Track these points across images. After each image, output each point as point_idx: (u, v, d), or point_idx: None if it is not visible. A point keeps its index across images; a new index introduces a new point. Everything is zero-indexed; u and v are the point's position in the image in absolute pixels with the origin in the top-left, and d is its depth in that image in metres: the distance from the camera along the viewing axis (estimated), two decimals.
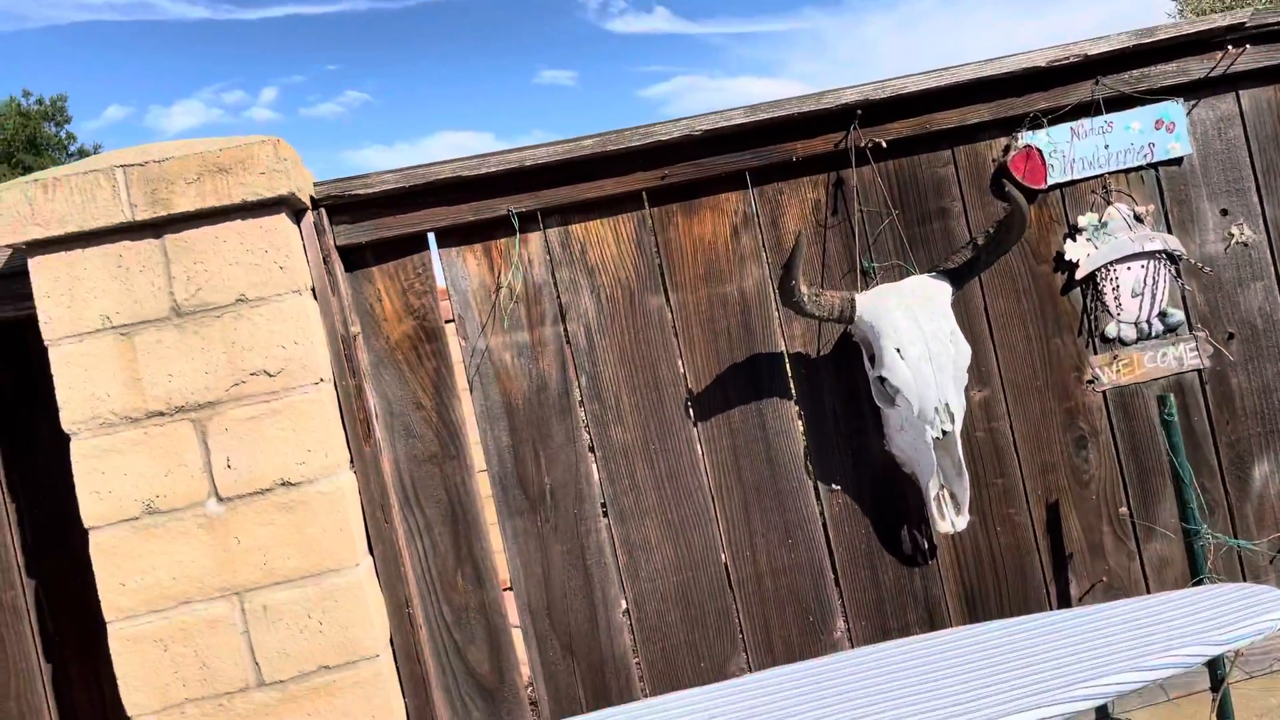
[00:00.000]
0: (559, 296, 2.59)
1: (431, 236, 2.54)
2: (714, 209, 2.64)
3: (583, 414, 2.60)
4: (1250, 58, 2.68)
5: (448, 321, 2.57)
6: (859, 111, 2.57)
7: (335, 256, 2.43)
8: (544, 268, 2.59)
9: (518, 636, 2.58)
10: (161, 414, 2.16)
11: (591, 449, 2.59)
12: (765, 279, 2.64)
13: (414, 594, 2.48)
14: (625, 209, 2.61)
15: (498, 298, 2.57)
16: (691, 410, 2.62)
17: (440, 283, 2.56)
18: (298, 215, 2.33)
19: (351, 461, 2.33)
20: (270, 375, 2.18)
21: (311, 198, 2.39)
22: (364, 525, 2.34)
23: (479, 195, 2.51)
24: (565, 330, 2.59)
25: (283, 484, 2.18)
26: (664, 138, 2.51)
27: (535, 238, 2.58)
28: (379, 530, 2.37)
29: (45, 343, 2.15)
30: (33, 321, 2.21)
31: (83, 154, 24.11)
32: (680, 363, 2.63)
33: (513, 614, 2.57)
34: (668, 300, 2.63)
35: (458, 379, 2.55)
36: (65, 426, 2.14)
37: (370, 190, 2.42)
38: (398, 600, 2.38)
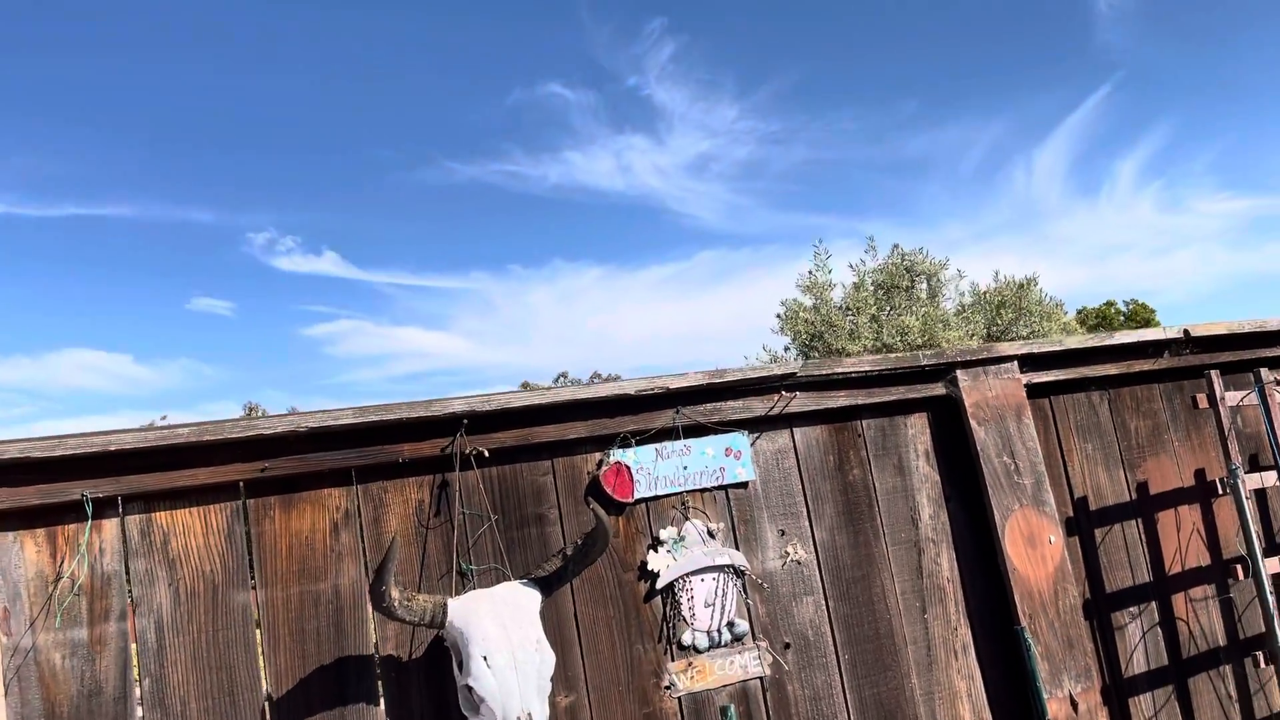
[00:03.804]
0: (130, 589, 2.41)
1: None
2: (315, 504, 2.62)
3: None
4: (801, 402, 3.17)
5: None
6: (465, 420, 2.72)
7: None
8: (117, 557, 2.41)
9: None
10: None
11: None
12: (362, 577, 2.62)
13: None
14: (219, 498, 2.53)
15: (55, 590, 2.34)
16: (269, 717, 2.46)
17: None
18: None
19: None
20: None
21: None
22: None
23: (50, 477, 2.33)
24: (133, 627, 2.39)
25: None
26: (267, 431, 2.50)
27: (111, 525, 2.42)
28: None
29: None
30: None
31: None
32: (262, 665, 2.50)
33: None
34: (256, 597, 2.52)
35: None
36: None
37: None
38: None
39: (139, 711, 2.36)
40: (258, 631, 2.51)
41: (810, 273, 16.10)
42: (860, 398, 3.25)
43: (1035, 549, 3.27)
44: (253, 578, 2.53)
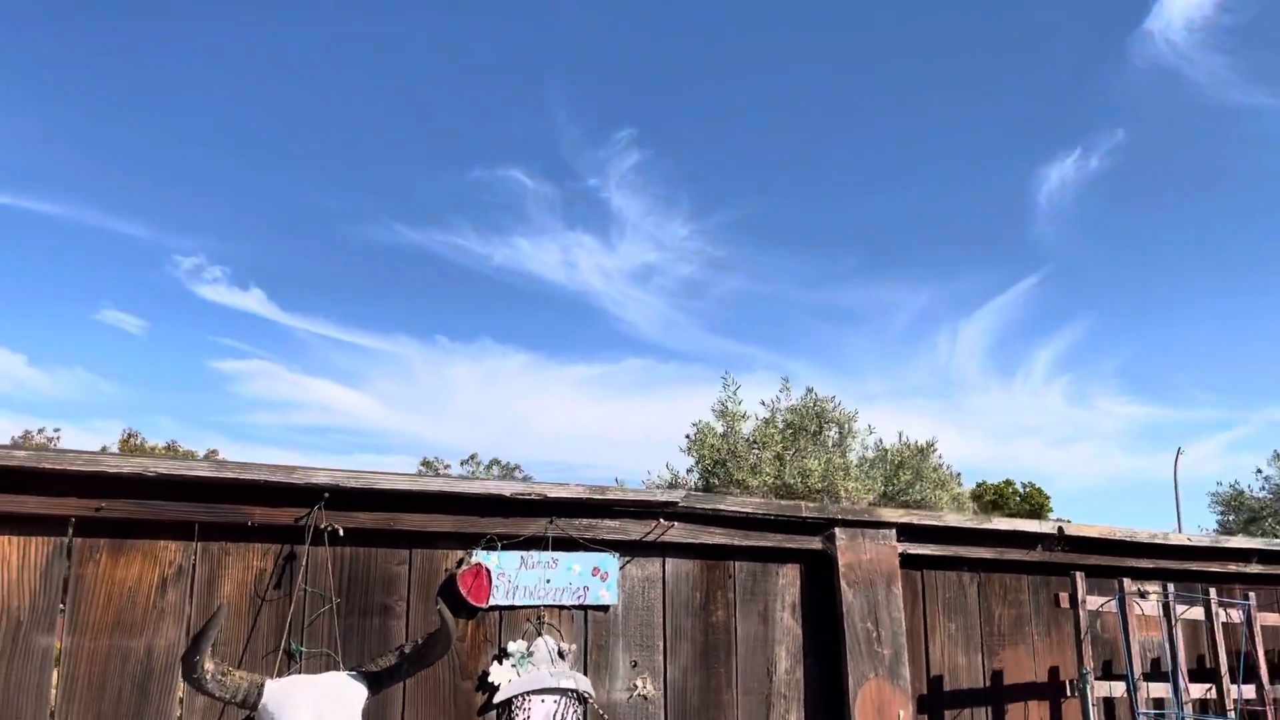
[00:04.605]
0: None
1: None
2: (147, 554, 2.47)
3: None
4: (678, 533, 3.12)
5: None
6: (326, 494, 2.61)
7: None
8: None
9: None
10: None
11: None
12: (180, 641, 2.46)
13: None
14: (45, 531, 2.36)
15: None
16: None
17: None
18: None
19: None
20: None
21: None
22: None
23: None
24: None
25: None
26: (109, 470, 2.36)
27: None
28: None
29: None
30: None
31: None
32: (50, 718, 2.30)
33: None
34: (62, 644, 2.34)
35: None
36: None
37: None
38: None
39: None
40: (54, 680, 2.32)
41: (723, 401, 16.24)
42: (737, 538, 3.21)
43: None
44: (63, 622, 2.35)
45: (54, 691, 2.31)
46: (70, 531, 2.39)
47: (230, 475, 2.49)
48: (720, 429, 16.50)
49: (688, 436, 16.87)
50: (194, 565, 2.51)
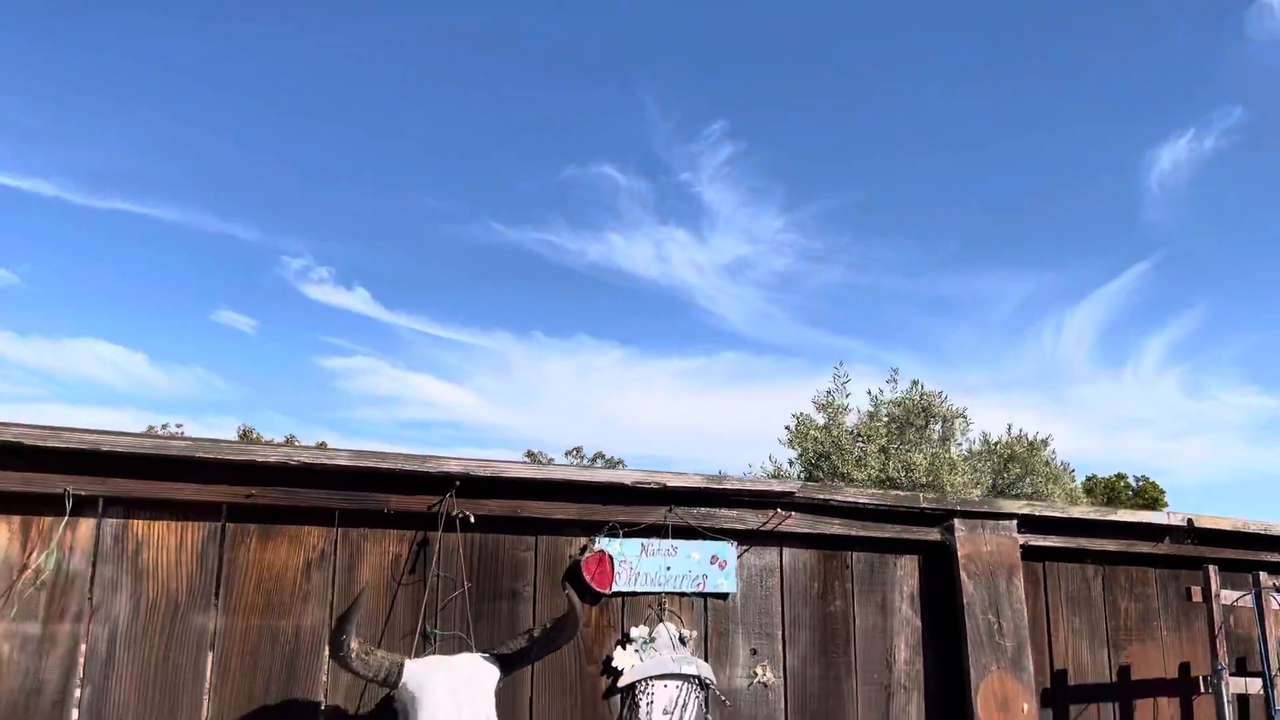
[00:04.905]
0: (92, 593, 2.38)
1: None
2: (293, 539, 2.60)
3: None
4: (795, 523, 3.13)
5: None
6: (458, 482, 2.70)
7: None
8: (85, 558, 2.39)
9: None
10: None
11: None
12: (324, 622, 2.58)
13: None
14: (200, 517, 2.51)
15: (19, 579, 2.31)
16: None
17: None
18: None
19: None
20: None
21: None
22: None
23: (38, 467, 2.32)
24: (87, 631, 2.36)
25: None
26: (259, 459, 2.49)
27: (88, 524, 2.40)
28: None
29: None
30: None
31: None
32: (207, 694, 2.44)
33: None
34: (216, 623, 2.49)
35: None
36: None
37: None
38: None
39: (74, 718, 2.31)
40: (210, 659, 2.47)
41: (828, 392, 16.11)
42: (855, 529, 3.21)
43: (1007, 715, 3.18)
44: (216, 603, 2.50)
45: (209, 669, 2.46)
46: (223, 517, 2.53)
47: (368, 464, 2.61)
48: (821, 421, 16.37)
49: (788, 429, 16.78)
50: (335, 550, 2.64)
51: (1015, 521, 3.39)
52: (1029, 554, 3.42)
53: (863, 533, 3.23)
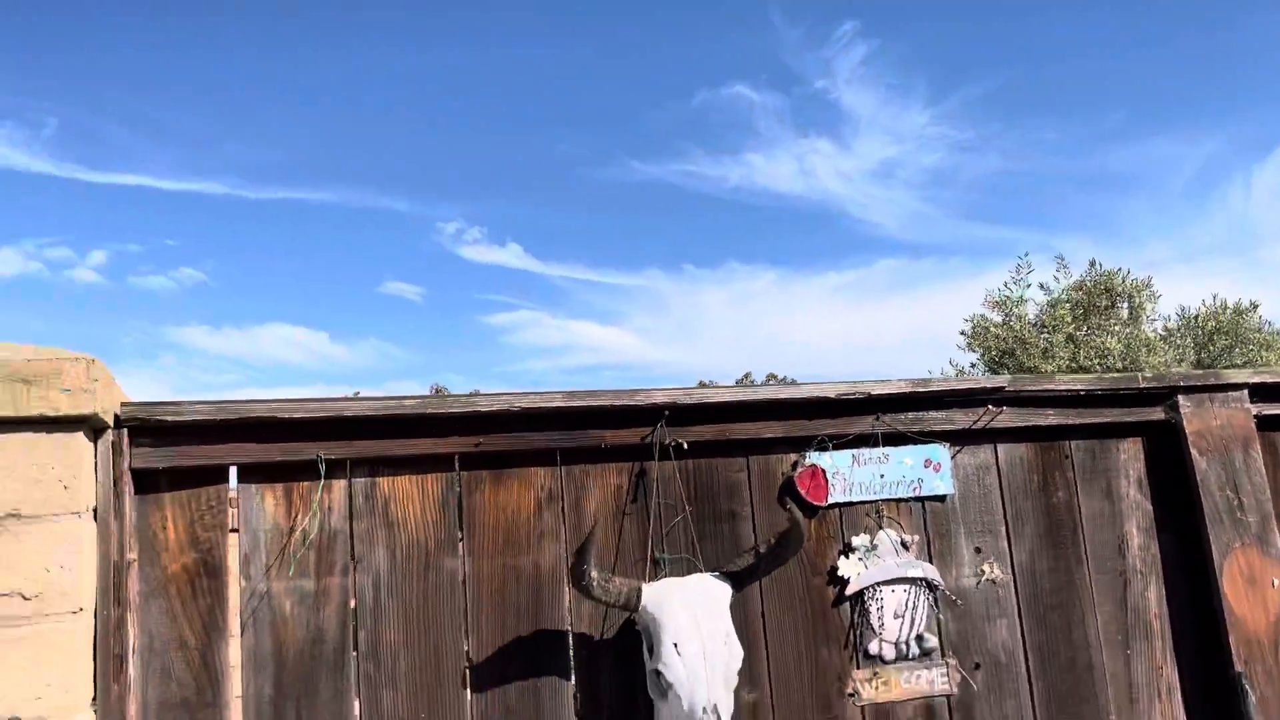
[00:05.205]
0: (353, 547, 2.58)
1: (234, 471, 2.52)
2: (522, 481, 2.74)
3: (355, 672, 2.53)
4: (1006, 417, 3.06)
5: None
6: (666, 412, 2.78)
7: (128, 479, 2.37)
8: (343, 517, 2.59)
9: None
10: None
11: (359, 711, 2.51)
12: (561, 556, 2.72)
13: None
14: (436, 469, 2.68)
15: (290, 541, 2.54)
16: (469, 680, 2.60)
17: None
18: (96, 433, 2.29)
19: (95, 700, 2.18)
20: (25, 599, 2.07)
21: (117, 417, 2.36)
22: None
23: (291, 437, 2.53)
24: (353, 583, 2.57)
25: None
26: (483, 409, 2.63)
27: (340, 485, 2.60)
28: None
29: None
30: None
31: None
32: (465, 631, 2.63)
33: None
34: (463, 565, 2.66)
35: (231, 621, 2.46)
36: None
37: (179, 418, 2.41)
38: None
39: (355, 661, 2.53)
40: (463, 599, 2.65)
41: (1005, 285, 15.47)
42: (1070, 418, 3.12)
43: (1256, 591, 3.05)
44: (461, 547, 2.67)
45: (465, 608, 2.64)
46: (456, 467, 2.69)
47: (581, 404, 2.71)
48: (998, 318, 15.78)
49: (963, 333, 16.27)
50: (561, 488, 2.77)
51: (1246, 391, 3.20)
52: (1264, 424, 3.24)
53: (1079, 420, 3.13)
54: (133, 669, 2.34)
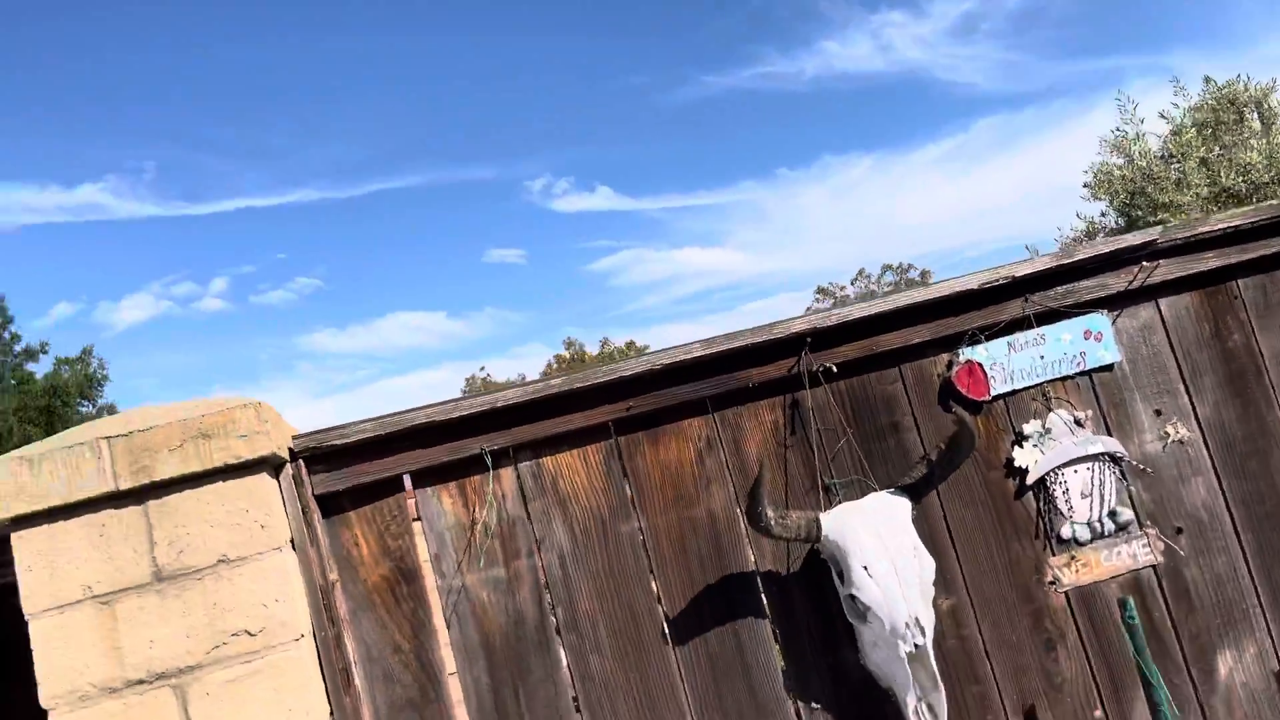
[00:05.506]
0: (533, 529, 2.66)
1: (407, 479, 2.62)
2: (678, 435, 2.76)
3: (560, 646, 2.62)
4: (1164, 270, 2.90)
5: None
6: (808, 339, 2.73)
7: (314, 506, 2.49)
8: (517, 502, 2.66)
9: None
10: (141, 682, 2.16)
11: (571, 681, 2.60)
12: (731, 500, 2.74)
13: None
14: (593, 439, 2.72)
15: (473, 534, 2.62)
16: (669, 635, 2.65)
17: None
18: (276, 470, 2.40)
19: (332, 714, 2.32)
20: (251, 635, 2.20)
21: (290, 449, 2.47)
22: None
23: (453, 437, 2.60)
24: (540, 562, 2.65)
25: None
26: (627, 373, 2.64)
27: (508, 473, 2.67)
28: None
29: (25, 616, 2.16)
30: (12, 587, 2.22)
31: (29, 354, 23.52)
32: (655, 587, 2.68)
33: None
34: (639, 526, 2.70)
35: (435, 618, 2.58)
36: (43, 702, 2.12)
37: (347, 440, 2.51)
38: None
39: (557, 636, 2.62)
40: (646, 557, 2.69)
41: (1117, 129, 14.59)
42: (1233, 256, 2.93)
43: None
44: (634, 509, 2.71)
45: (650, 566, 2.68)
46: (613, 434, 2.73)
47: (720, 349, 2.69)
48: (1119, 161, 14.91)
49: (1086, 185, 15.44)
50: (718, 434, 2.77)
51: None
52: None
53: (1243, 257, 2.95)
54: (358, 679, 2.47)
